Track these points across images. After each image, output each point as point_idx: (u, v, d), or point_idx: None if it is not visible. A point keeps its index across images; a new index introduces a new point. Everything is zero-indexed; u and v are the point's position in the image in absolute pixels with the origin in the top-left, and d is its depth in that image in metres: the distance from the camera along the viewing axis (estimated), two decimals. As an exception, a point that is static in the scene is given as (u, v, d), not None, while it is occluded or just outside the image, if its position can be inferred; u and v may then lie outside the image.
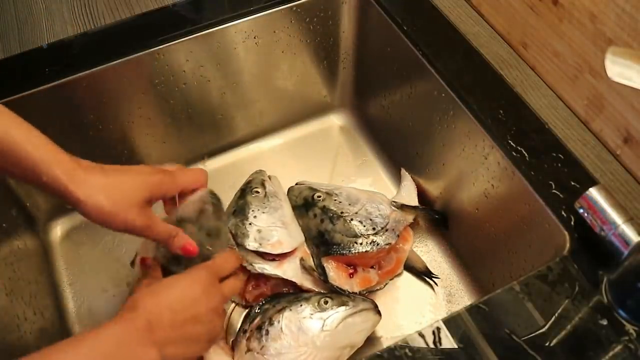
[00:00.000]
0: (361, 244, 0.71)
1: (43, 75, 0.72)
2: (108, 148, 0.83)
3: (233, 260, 0.64)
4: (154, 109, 0.83)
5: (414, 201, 0.82)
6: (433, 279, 0.78)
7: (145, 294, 0.53)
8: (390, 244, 0.72)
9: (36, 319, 0.69)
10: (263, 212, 0.75)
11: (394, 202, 0.78)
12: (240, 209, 0.76)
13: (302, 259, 0.73)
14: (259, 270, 0.71)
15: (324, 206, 0.75)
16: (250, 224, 0.74)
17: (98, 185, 0.52)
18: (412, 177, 0.85)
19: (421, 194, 0.84)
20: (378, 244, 0.72)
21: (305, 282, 0.73)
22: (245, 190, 0.79)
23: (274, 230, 0.73)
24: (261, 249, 0.72)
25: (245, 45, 0.82)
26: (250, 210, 0.75)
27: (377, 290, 0.76)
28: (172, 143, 0.89)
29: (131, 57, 0.75)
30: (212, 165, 0.93)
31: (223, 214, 0.66)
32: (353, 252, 0.71)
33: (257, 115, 0.93)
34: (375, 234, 0.72)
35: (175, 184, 0.60)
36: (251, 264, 0.71)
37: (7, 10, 0.86)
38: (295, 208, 0.79)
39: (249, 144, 0.95)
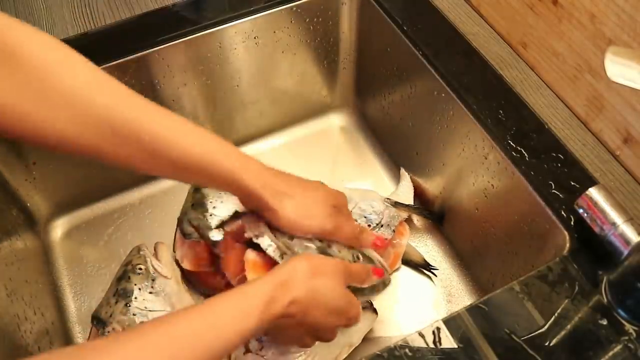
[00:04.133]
0: None
1: (43, 76, 0.72)
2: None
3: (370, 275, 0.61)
4: (154, 109, 0.83)
5: (409, 200, 0.82)
6: (432, 270, 0.78)
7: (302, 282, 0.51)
8: (386, 239, 0.73)
9: (36, 319, 0.69)
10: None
11: (388, 199, 0.78)
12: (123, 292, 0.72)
13: None
14: None
15: None
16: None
17: (288, 200, 0.57)
18: (412, 177, 0.85)
19: (421, 194, 0.85)
20: None
21: None
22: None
23: None
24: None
25: (246, 45, 0.82)
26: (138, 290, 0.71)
27: None
28: (172, 143, 0.89)
29: (131, 57, 0.75)
30: (212, 165, 0.93)
31: None
32: None
33: (257, 116, 0.93)
34: (371, 230, 0.72)
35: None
36: None
37: (8, 10, 0.86)
38: None
39: (249, 144, 0.95)
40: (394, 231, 0.74)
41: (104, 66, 0.74)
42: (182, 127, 0.52)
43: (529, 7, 0.68)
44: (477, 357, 0.49)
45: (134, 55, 0.75)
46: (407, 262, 0.79)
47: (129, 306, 0.68)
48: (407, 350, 0.50)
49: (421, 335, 0.51)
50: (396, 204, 0.78)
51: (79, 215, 0.86)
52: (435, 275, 0.79)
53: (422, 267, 0.79)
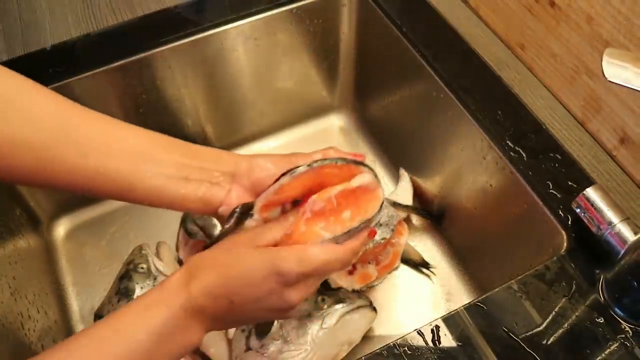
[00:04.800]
0: None
1: (46, 77, 0.73)
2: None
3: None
4: (156, 110, 0.83)
5: (407, 200, 0.83)
6: (430, 269, 0.79)
7: (210, 265, 0.46)
8: (385, 238, 0.73)
9: (40, 318, 0.69)
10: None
11: (386, 199, 0.78)
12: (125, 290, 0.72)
13: None
14: None
15: None
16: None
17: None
18: (411, 177, 0.86)
19: (420, 194, 0.85)
20: (374, 240, 0.72)
21: None
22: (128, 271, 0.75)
23: None
24: None
25: (246, 46, 0.83)
26: (140, 289, 0.72)
27: (376, 285, 0.77)
28: (173, 143, 0.89)
29: (134, 58, 0.75)
30: (213, 165, 0.93)
31: None
32: None
33: (258, 116, 0.93)
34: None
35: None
36: None
37: (11, 12, 0.86)
38: None
39: (250, 144, 0.95)
40: (392, 230, 0.74)
41: (106, 67, 0.74)
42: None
43: (527, 9, 0.69)
44: (476, 356, 0.50)
45: (136, 57, 0.76)
46: (406, 261, 0.80)
47: None
48: (406, 348, 0.50)
49: (420, 333, 0.51)
50: (394, 204, 0.78)
51: (81, 214, 0.87)
52: (434, 274, 0.79)
53: (421, 265, 0.80)
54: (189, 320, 0.44)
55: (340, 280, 0.72)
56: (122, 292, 0.71)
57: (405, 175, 0.86)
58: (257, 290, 0.45)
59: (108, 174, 0.47)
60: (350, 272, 0.73)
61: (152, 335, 0.43)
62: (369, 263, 0.75)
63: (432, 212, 0.83)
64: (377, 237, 0.73)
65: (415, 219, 0.84)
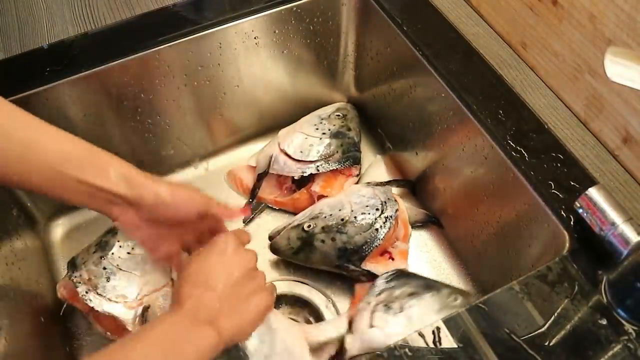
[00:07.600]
0: (381, 227, 0.73)
1: (43, 76, 0.73)
2: (109, 148, 0.83)
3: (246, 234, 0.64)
4: (155, 110, 0.83)
5: (383, 177, 0.86)
6: (435, 221, 0.82)
7: (181, 283, 0.55)
8: (397, 209, 0.75)
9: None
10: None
11: (368, 183, 0.81)
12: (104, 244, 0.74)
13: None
14: None
15: (323, 227, 0.74)
16: None
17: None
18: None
19: (420, 194, 0.85)
20: (391, 217, 0.74)
21: None
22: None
23: None
24: None
25: (246, 45, 0.82)
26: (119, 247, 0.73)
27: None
28: (172, 144, 0.89)
29: (132, 57, 0.75)
30: (212, 165, 0.93)
31: None
32: (380, 238, 0.72)
33: (257, 116, 0.93)
34: (382, 212, 0.74)
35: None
36: None
37: (8, 11, 0.86)
38: (296, 253, 0.76)
39: (249, 144, 0.95)
40: (395, 201, 0.76)
41: (103, 67, 0.74)
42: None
43: (529, 7, 0.68)
44: (477, 357, 0.49)
45: (135, 56, 0.75)
46: (414, 224, 0.82)
47: (103, 259, 0.70)
48: (407, 350, 0.50)
49: (421, 335, 0.51)
50: (377, 184, 0.81)
51: (79, 215, 0.86)
52: (442, 227, 0.81)
53: (429, 221, 0.82)
54: (189, 320, 0.52)
55: (388, 267, 0.73)
56: (102, 244, 0.72)
57: (378, 158, 0.90)
58: (219, 262, 0.56)
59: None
60: (392, 258, 0.74)
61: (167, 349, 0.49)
62: (396, 241, 0.76)
63: (409, 181, 0.86)
64: (392, 213, 0.74)
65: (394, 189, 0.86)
